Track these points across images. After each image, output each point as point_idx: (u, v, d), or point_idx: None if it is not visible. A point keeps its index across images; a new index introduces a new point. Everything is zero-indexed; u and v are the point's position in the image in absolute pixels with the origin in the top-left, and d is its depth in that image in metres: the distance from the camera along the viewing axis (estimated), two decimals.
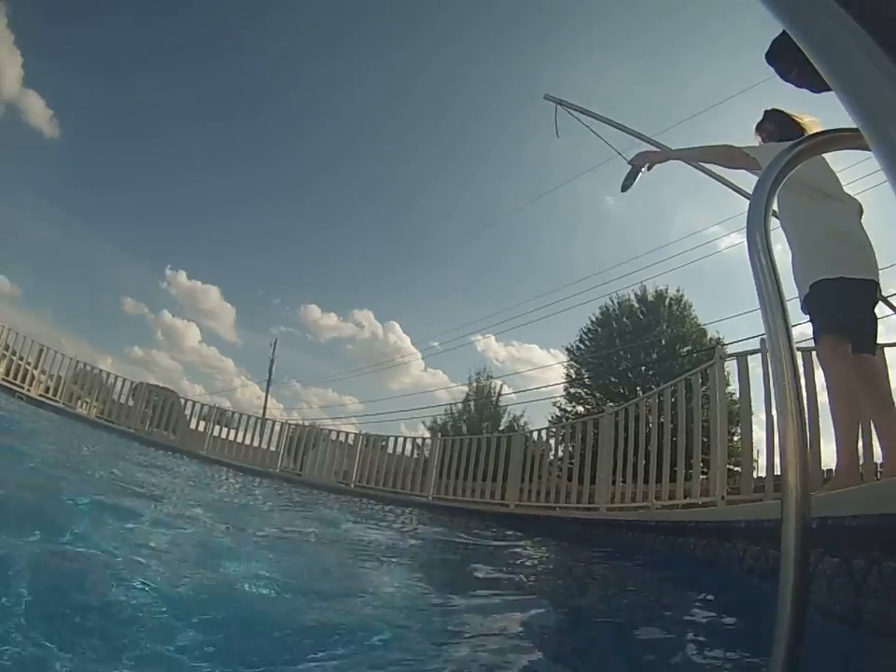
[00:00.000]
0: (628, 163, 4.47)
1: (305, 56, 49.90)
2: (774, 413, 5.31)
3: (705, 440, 6.60)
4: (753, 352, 6.01)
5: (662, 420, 7.27)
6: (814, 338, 3.61)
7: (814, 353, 4.23)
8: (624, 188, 5.28)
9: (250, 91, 53.43)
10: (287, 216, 55.69)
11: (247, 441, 16.35)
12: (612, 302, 34.59)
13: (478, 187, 52.95)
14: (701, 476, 6.53)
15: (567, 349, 35.96)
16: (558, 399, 34.38)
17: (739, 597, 3.21)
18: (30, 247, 52.79)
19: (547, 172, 43.58)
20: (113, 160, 53.65)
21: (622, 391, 30.47)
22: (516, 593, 3.77)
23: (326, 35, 50.44)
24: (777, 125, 3.94)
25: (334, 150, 56.06)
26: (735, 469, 8.16)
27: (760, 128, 4.12)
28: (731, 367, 6.35)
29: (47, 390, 16.01)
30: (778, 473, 5.24)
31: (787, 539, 1.12)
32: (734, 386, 7.16)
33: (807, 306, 3.58)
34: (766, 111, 4.12)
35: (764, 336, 5.87)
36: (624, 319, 34.31)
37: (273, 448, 16.20)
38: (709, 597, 3.36)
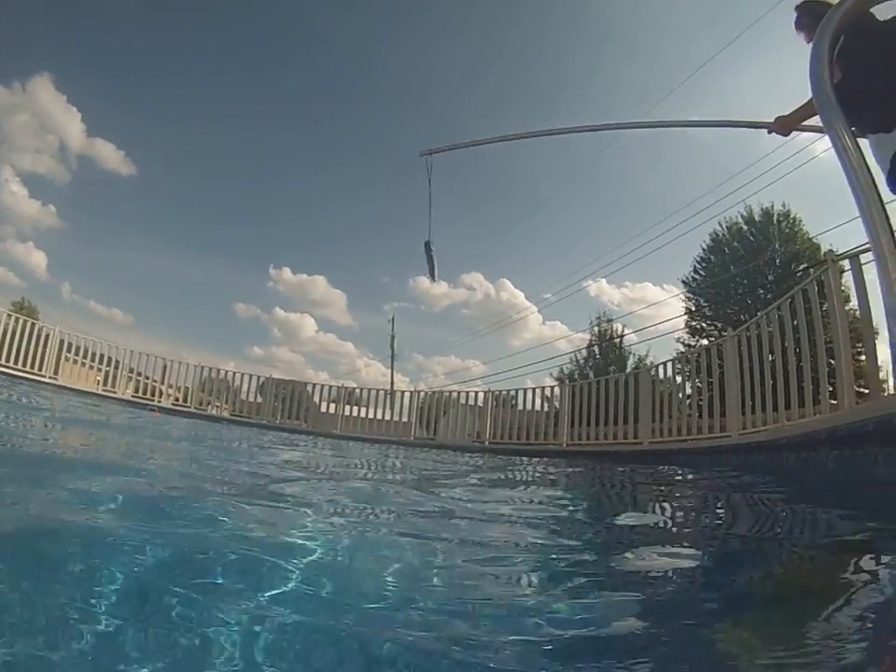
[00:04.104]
0: (769, 133, 4.52)
1: (391, 43, 49.90)
2: None
3: (831, 361, 6.20)
4: (867, 250, 5.67)
5: (785, 344, 7.06)
6: None
7: None
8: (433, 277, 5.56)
9: (335, 85, 53.88)
10: (384, 199, 56.13)
11: (378, 416, 17.02)
12: (721, 227, 33.82)
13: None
14: (831, 402, 6.28)
15: (683, 281, 35.44)
16: (680, 334, 34.03)
17: None
18: (132, 277, 56.93)
19: (621, 102, 42.49)
20: (193, 176, 56.56)
21: (743, 318, 29.74)
22: None
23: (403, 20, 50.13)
24: (814, 16, 3.49)
25: (429, 124, 55.86)
26: (864, 390, 7.88)
27: (798, 26, 4.00)
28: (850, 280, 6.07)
29: (177, 401, 17.05)
30: None
31: None
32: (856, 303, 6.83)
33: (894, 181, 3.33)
34: (797, 6, 4.01)
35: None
36: (735, 243, 33.49)
37: (404, 419, 16.77)
38: None
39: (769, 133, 4.52)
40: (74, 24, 43.50)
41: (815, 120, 3.97)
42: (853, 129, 1.82)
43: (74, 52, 46.00)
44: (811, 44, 2.02)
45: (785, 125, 4.39)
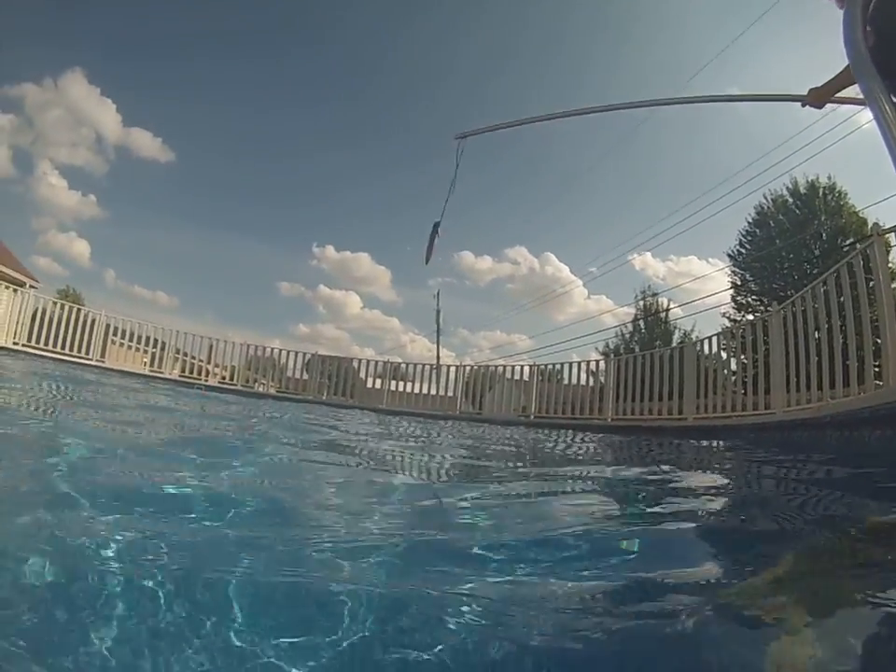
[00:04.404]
0: (803, 105, 4.42)
1: (422, 16, 49.39)
2: None
3: (878, 340, 6.03)
4: None
5: (830, 320, 6.94)
6: None
7: None
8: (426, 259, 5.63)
9: (368, 59, 53.53)
10: (424, 174, 55.63)
11: (424, 391, 17.14)
12: (766, 200, 33.36)
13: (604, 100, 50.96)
14: (876, 382, 6.10)
15: (729, 255, 34.97)
16: (726, 309, 33.71)
17: None
18: (175, 261, 58.84)
19: (652, 74, 41.66)
20: (231, 157, 57.21)
21: (789, 293, 29.20)
22: None
23: None
24: None
25: (465, 100, 55.23)
26: None
27: None
28: None
29: (223, 379, 17.58)
30: None
31: None
32: None
33: None
34: None
35: None
36: (781, 216, 32.87)
37: (450, 394, 16.91)
38: None
39: (803, 106, 4.35)
40: (101, 15, 43.96)
41: (850, 91, 3.90)
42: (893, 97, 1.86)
43: (104, 44, 46.51)
44: (843, 10, 2.06)
45: (818, 97, 4.20)
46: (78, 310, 15.65)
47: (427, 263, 6.14)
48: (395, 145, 58.01)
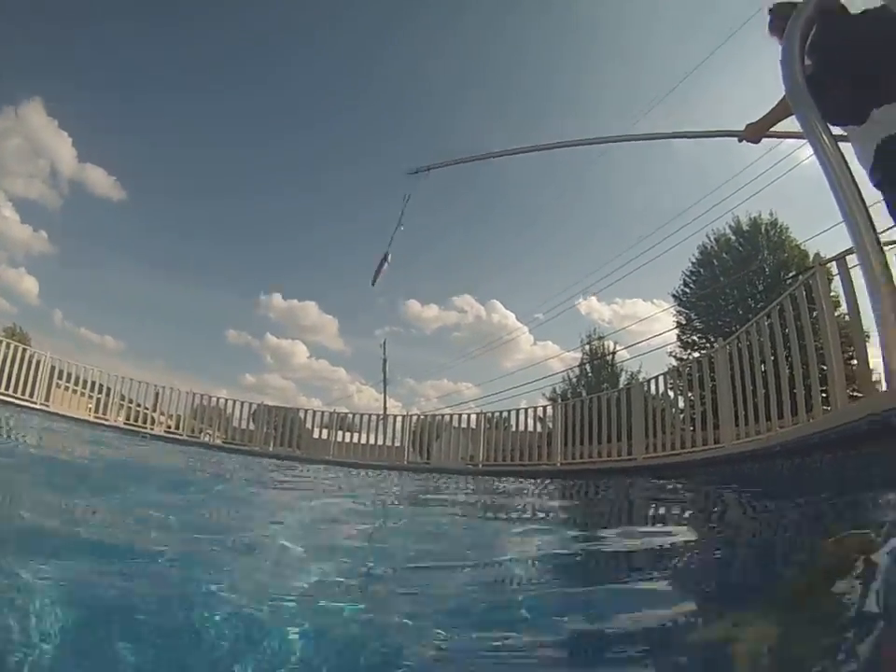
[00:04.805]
0: (740, 141, 4.50)
1: (374, 60, 49.88)
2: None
3: (823, 367, 6.07)
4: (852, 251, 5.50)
5: (776, 352, 6.99)
6: (890, 212, 2.99)
7: None
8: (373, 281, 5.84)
9: (318, 99, 53.66)
10: (366, 220, 55.84)
11: (371, 441, 16.93)
12: (709, 239, 34.04)
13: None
14: (824, 408, 6.26)
15: (673, 295, 35.49)
16: (672, 348, 34.05)
17: None
18: (124, 304, 56.42)
19: (607, 113, 42.64)
20: (182, 200, 56.03)
21: (734, 329, 29.58)
22: None
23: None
24: (787, 17, 3.35)
25: (423, 139, 55.73)
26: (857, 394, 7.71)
27: (772, 29, 3.81)
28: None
29: (169, 428, 16.95)
30: None
31: None
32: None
33: (878, 172, 3.05)
34: (770, 9, 3.88)
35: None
36: (724, 255, 33.66)
37: (397, 444, 16.65)
38: None
39: (740, 141, 4.54)
40: (63, 48, 43.59)
41: (785, 125, 4.05)
42: (832, 124, 1.79)
43: (64, 76, 45.60)
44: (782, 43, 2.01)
45: (755, 132, 4.39)
46: (24, 350, 15.03)
47: (373, 285, 6.33)
48: (343, 188, 57.83)
